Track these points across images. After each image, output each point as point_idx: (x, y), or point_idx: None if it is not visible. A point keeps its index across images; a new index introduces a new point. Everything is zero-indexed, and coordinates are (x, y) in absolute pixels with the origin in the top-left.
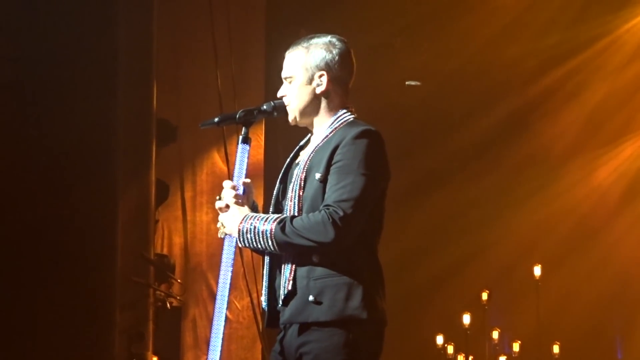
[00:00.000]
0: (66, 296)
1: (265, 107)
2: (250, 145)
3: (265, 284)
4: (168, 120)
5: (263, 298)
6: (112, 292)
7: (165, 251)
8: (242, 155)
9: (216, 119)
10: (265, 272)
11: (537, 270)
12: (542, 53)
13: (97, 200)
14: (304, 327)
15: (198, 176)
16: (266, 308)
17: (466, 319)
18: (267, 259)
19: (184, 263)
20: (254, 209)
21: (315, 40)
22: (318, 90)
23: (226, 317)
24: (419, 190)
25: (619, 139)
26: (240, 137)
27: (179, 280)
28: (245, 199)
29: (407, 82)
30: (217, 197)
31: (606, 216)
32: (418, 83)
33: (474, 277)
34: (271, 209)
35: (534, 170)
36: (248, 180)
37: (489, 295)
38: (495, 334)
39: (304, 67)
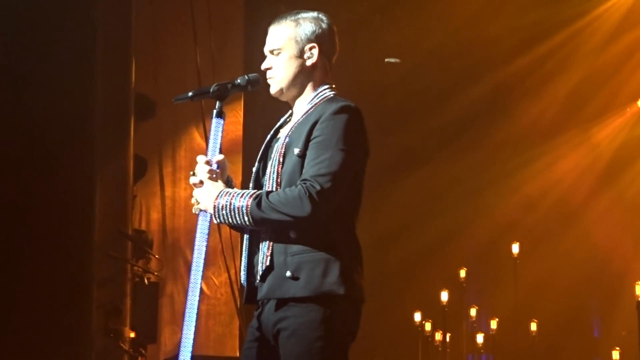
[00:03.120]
0: (43, 271)
1: (239, 81)
2: (224, 120)
3: (244, 260)
4: (147, 95)
5: (242, 274)
6: (89, 268)
7: (143, 227)
8: (217, 130)
9: (190, 94)
10: (244, 247)
11: (515, 249)
12: (522, 31)
13: (74, 175)
14: (282, 303)
15: (176, 152)
16: (245, 284)
17: (444, 296)
18: (246, 235)
19: (161, 239)
20: (228, 184)
21: (303, 15)
22: (308, 63)
23: (204, 293)
24: (398, 168)
25: (598, 119)
26: (214, 112)
27: (156, 256)
28: (219, 174)
29: (386, 60)
30: (191, 173)
31: (584, 196)
32: (397, 60)
33: (452, 255)
34: (251, 187)
35: (513, 149)
36: (222, 157)
37: (467, 273)
38: (473, 312)
39: (294, 39)
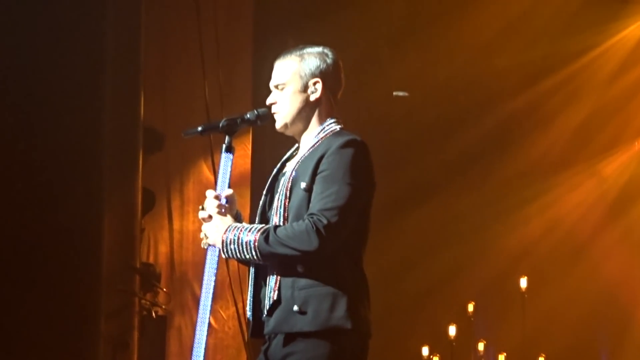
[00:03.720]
0: (51, 305)
1: (248, 115)
2: (234, 155)
3: (250, 293)
4: (155, 128)
5: (248, 308)
6: (97, 301)
7: (151, 260)
8: (226, 165)
9: (199, 128)
10: (250, 282)
11: (523, 283)
12: (530, 65)
13: (82, 208)
14: (289, 338)
15: (185, 185)
16: (251, 318)
17: (452, 330)
18: (252, 268)
19: (169, 272)
20: (237, 218)
21: (308, 50)
22: (312, 98)
23: (212, 327)
24: (406, 202)
25: (606, 152)
26: (224, 146)
27: (164, 289)
28: (228, 208)
29: (394, 93)
30: (200, 207)
31: (592, 230)
32: (406, 94)
33: (460, 288)
34: (257, 220)
35: (522, 182)
36: (231, 191)
37: (475, 307)
38: (480, 346)
39: (298, 74)
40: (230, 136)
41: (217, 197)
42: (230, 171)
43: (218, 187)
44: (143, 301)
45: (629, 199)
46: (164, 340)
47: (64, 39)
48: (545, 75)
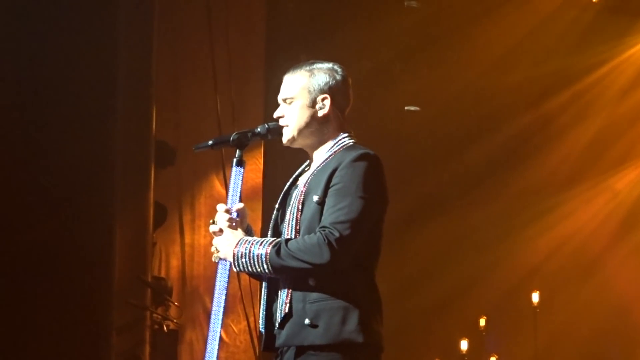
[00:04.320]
0: (63, 319)
1: (259, 129)
2: (244, 168)
3: (262, 307)
4: (167, 142)
5: (260, 321)
6: (108, 315)
7: (162, 274)
8: (236, 178)
9: (210, 142)
10: (262, 295)
11: (535, 297)
12: (542, 80)
13: (94, 222)
14: (301, 351)
15: (196, 199)
16: (263, 331)
17: (464, 345)
18: (264, 282)
19: (181, 286)
20: (248, 232)
21: (318, 65)
22: (320, 114)
23: (223, 341)
24: (418, 216)
25: (618, 167)
26: (234, 160)
27: (176, 303)
28: (239, 222)
29: (406, 108)
30: (211, 221)
31: (604, 245)
32: (417, 108)
33: (472, 303)
34: (269, 234)
35: (533, 197)
36: (242, 205)
37: (487, 322)
38: None
39: (307, 89)
40: (241, 150)
41: (228, 211)
42: (241, 185)
43: (229, 201)
44: (155, 315)
45: None
46: (175, 354)
47: (76, 53)
48: (556, 90)
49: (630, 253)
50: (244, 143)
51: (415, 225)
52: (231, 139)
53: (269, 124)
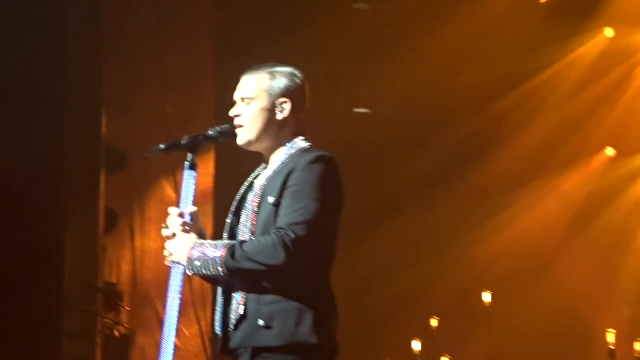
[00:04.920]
0: (13, 325)
1: (211, 132)
2: (196, 172)
3: (219, 309)
4: (117, 147)
5: (217, 323)
6: (59, 321)
7: (113, 279)
8: (189, 182)
9: (162, 146)
10: (218, 297)
11: (487, 297)
12: (493, 81)
13: (44, 227)
14: (255, 352)
15: (146, 203)
16: (219, 333)
17: (416, 345)
18: (219, 284)
19: (132, 291)
20: (201, 236)
21: (279, 68)
22: (278, 117)
23: (175, 345)
24: (370, 218)
25: (568, 166)
26: (187, 163)
27: (127, 308)
28: (192, 226)
29: (355, 110)
30: (164, 225)
31: (555, 245)
32: (367, 111)
33: (424, 304)
34: (225, 237)
35: (485, 197)
36: (194, 208)
37: (439, 322)
38: None
39: (267, 91)
40: (193, 153)
41: (181, 215)
42: (194, 188)
43: (181, 205)
44: (105, 320)
45: (590, 214)
46: (127, 359)
47: (25, 59)
48: (507, 91)
49: (579, 254)
50: (196, 146)
51: (368, 227)
52: (183, 142)
53: (221, 126)
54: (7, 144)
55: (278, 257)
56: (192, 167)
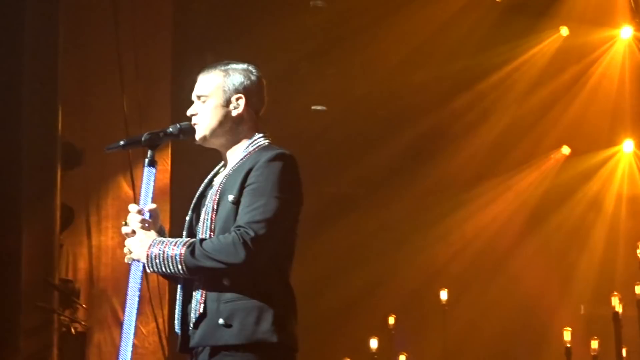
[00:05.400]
0: None
1: (171, 129)
2: (156, 169)
3: (178, 307)
4: (73, 144)
5: (176, 322)
6: (15, 318)
7: (70, 276)
8: (149, 179)
9: (121, 142)
10: (178, 295)
11: (444, 295)
12: (447, 80)
13: (0, 224)
14: (215, 351)
15: (103, 200)
16: (179, 332)
17: (373, 343)
18: (179, 282)
19: (88, 288)
20: (161, 233)
21: (233, 66)
22: (234, 113)
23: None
24: (326, 216)
25: (523, 165)
26: (146, 160)
27: (83, 306)
28: (152, 223)
29: (312, 107)
30: (123, 223)
31: (511, 243)
32: (324, 108)
33: (381, 301)
34: (184, 235)
35: (439, 196)
36: (154, 206)
37: (395, 320)
38: (402, 359)
39: (221, 88)
40: (152, 150)
41: (140, 212)
42: (154, 185)
43: (141, 202)
44: (62, 318)
45: (545, 212)
46: (83, 357)
47: None
48: (462, 89)
49: (535, 252)
50: (155, 143)
51: (323, 225)
52: (143, 139)
53: (181, 124)
54: None
55: (238, 256)
56: (152, 164)
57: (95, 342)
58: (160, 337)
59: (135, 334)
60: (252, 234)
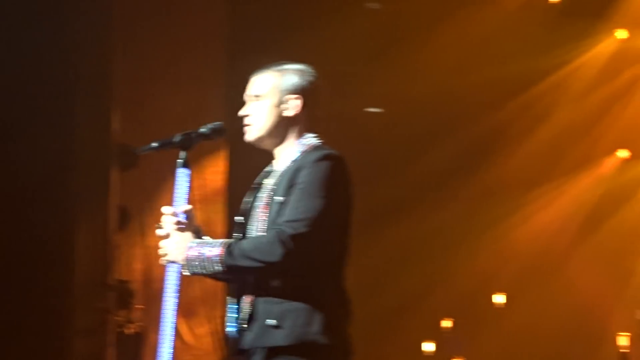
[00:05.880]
0: (25, 323)
1: (203, 130)
2: (190, 170)
3: (229, 309)
4: (129, 145)
5: (227, 324)
6: (71, 319)
7: (125, 277)
8: (182, 180)
9: (155, 144)
10: (228, 297)
11: (499, 299)
12: (505, 81)
13: (55, 226)
14: (267, 353)
15: (158, 201)
16: (230, 334)
17: (429, 347)
18: (230, 284)
19: (144, 289)
20: (197, 234)
21: (288, 66)
22: (287, 114)
23: (187, 344)
24: (381, 217)
25: (579, 168)
26: (179, 162)
27: (139, 306)
28: (187, 224)
29: (367, 109)
30: (157, 225)
31: (567, 246)
32: (380, 110)
33: (436, 305)
34: (234, 237)
35: (496, 198)
36: (189, 207)
37: (451, 323)
38: None
39: (276, 88)
40: (186, 151)
41: (174, 214)
42: (188, 186)
43: (175, 203)
44: (117, 318)
45: (601, 216)
46: (139, 357)
47: (35, 58)
48: (519, 91)
49: (591, 256)
50: (188, 144)
51: (378, 227)
52: (176, 140)
53: (214, 124)
54: (19, 143)
55: (274, 254)
56: (185, 165)
57: (152, 343)
58: (215, 337)
59: (191, 335)
60: (290, 231)
